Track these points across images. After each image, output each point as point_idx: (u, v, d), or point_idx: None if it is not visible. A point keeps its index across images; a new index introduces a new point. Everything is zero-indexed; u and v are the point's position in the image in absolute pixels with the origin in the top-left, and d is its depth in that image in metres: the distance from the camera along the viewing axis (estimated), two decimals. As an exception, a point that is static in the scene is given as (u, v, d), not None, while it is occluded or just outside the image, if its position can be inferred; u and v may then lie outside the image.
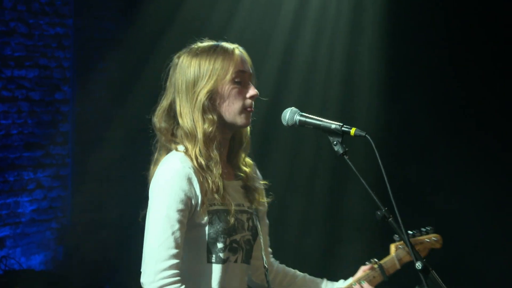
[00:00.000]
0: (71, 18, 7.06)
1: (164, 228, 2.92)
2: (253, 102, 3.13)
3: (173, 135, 3.14)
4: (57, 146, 7.07)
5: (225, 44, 3.16)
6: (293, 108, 3.11)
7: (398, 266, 3.52)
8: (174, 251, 2.92)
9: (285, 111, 3.11)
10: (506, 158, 6.12)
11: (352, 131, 2.95)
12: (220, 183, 3.05)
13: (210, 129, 3.07)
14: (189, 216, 3.01)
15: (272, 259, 3.46)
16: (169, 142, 3.14)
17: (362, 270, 3.48)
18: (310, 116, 3.07)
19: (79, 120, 7.19)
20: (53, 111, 7.02)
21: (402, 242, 3.46)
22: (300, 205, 6.73)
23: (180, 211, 2.96)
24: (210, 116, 3.07)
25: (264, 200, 3.27)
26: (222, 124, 3.12)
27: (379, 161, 2.85)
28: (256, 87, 3.15)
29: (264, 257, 3.28)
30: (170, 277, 2.90)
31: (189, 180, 3.00)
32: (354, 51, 6.53)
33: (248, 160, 3.29)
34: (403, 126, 6.46)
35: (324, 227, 6.66)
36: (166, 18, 6.83)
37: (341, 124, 2.98)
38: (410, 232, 3.48)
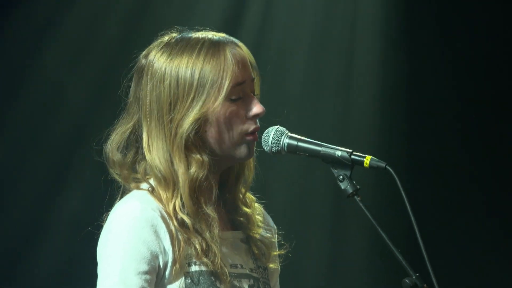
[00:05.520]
0: None
1: None
2: (257, 123, 2.45)
3: (134, 170, 2.45)
4: None
5: (213, 38, 2.39)
6: (278, 127, 2.41)
7: None
8: None
9: (266, 131, 2.40)
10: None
11: (367, 160, 2.30)
12: (216, 248, 2.35)
13: (200, 174, 2.34)
14: (157, 281, 2.36)
15: None
16: (126, 180, 2.44)
17: None
18: (304, 138, 2.39)
19: None
20: None
21: None
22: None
23: (142, 274, 2.31)
24: (198, 156, 2.33)
25: (277, 258, 2.58)
26: (214, 160, 2.41)
27: (407, 205, 2.23)
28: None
29: None
30: None
31: (154, 228, 2.34)
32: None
33: (249, 196, 2.56)
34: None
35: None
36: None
37: (350, 151, 2.32)
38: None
